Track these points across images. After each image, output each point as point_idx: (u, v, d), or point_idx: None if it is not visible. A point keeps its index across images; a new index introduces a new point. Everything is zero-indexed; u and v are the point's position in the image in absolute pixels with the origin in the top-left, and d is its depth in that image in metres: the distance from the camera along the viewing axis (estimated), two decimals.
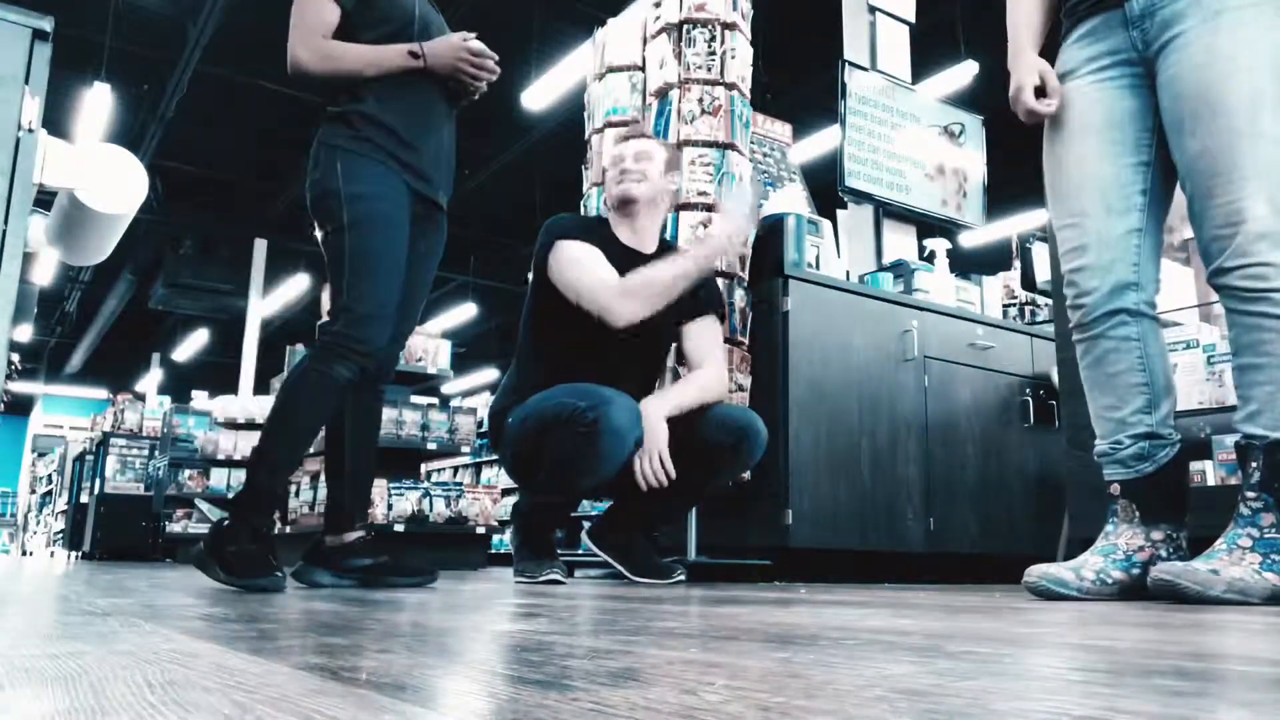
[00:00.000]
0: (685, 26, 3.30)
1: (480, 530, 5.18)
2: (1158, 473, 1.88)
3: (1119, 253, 1.92)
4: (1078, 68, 2.00)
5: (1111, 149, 1.94)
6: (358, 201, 2.18)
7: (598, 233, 2.64)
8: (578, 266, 2.50)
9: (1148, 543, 1.85)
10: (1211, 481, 2.38)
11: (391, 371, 2.45)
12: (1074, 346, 2.02)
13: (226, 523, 2.06)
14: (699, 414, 2.52)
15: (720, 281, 3.09)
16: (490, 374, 19.00)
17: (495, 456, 2.74)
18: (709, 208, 3.13)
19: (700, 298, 2.70)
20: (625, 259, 2.59)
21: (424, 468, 6.39)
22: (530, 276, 2.69)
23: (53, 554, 11.45)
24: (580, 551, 2.88)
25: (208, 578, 1.99)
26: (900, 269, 3.93)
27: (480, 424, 5.67)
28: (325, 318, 2.27)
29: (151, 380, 18.98)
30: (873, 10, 4.86)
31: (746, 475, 3.14)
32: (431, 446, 5.50)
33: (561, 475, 2.42)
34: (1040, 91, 2.00)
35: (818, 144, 9.14)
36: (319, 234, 2.27)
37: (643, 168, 2.63)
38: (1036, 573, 1.86)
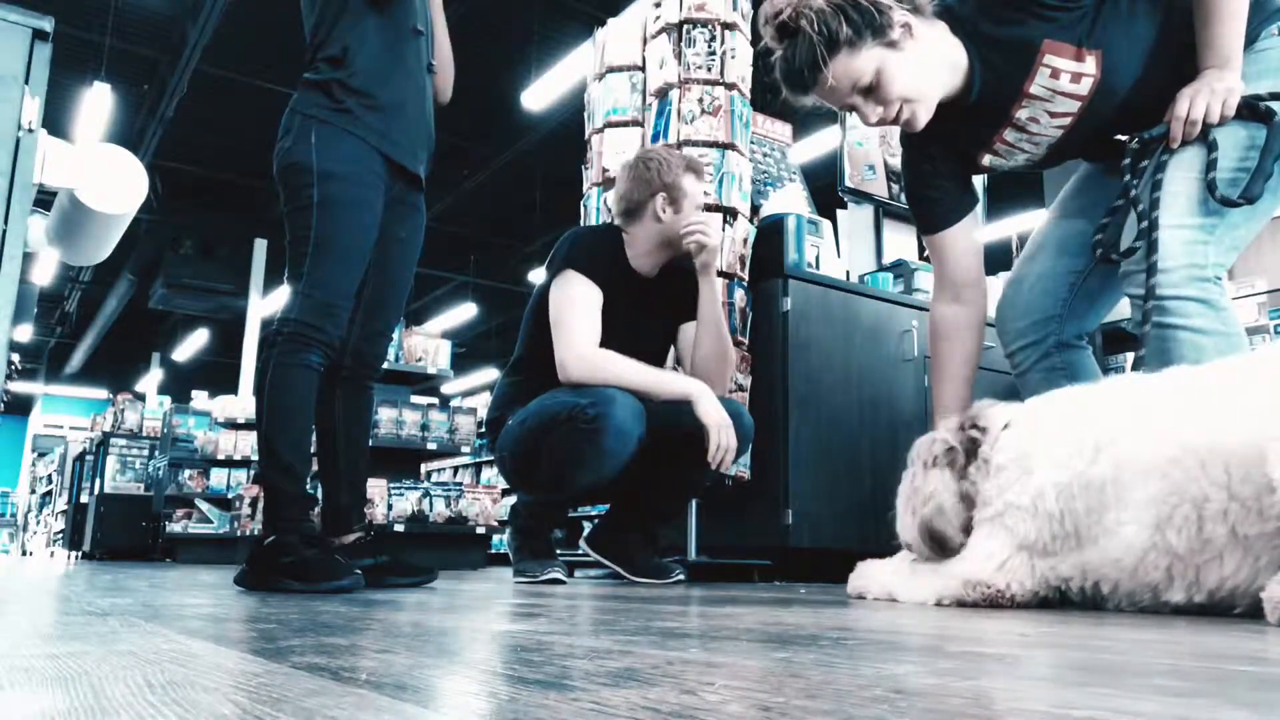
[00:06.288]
0: (685, 26, 3.29)
1: (480, 530, 5.18)
2: None
3: None
4: None
5: None
6: (330, 180, 2.11)
7: (609, 259, 2.63)
8: (568, 314, 2.51)
9: None
10: None
11: (378, 366, 2.41)
12: None
13: (269, 540, 2.01)
14: (687, 406, 2.52)
15: (719, 281, 3.09)
16: (490, 374, 19.00)
17: (494, 458, 2.72)
18: (709, 208, 3.13)
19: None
20: (631, 283, 2.64)
21: (424, 468, 6.40)
22: (539, 283, 2.69)
23: (53, 554, 11.45)
24: (579, 552, 2.88)
25: (279, 592, 1.90)
26: (900, 269, 3.92)
27: (480, 424, 5.67)
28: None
29: (151, 380, 18.99)
30: None
31: (746, 474, 3.14)
32: (431, 446, 5.50)
33: (562, 472, 2.41)
34: None
35: (818, 144, 9.15)
36: (283, 205, 2.18)
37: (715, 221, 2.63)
38: None
